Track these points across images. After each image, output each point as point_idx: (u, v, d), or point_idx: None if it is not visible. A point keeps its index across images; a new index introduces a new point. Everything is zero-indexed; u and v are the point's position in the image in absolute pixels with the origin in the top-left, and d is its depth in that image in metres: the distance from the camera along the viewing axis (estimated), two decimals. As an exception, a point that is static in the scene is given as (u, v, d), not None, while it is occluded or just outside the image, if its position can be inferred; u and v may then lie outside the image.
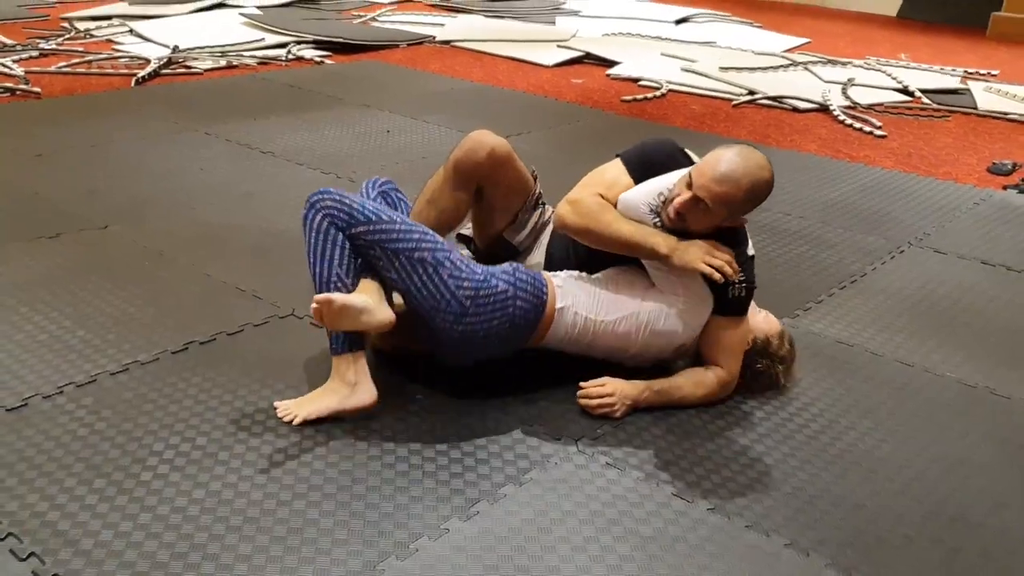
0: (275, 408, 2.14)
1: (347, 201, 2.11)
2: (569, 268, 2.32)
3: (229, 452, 2.00)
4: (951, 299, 3.01)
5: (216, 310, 2.63)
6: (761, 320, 2.34)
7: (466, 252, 2.57)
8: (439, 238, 2.14)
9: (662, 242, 2.14)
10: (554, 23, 7.96)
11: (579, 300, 2.20)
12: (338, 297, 2.03)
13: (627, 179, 2.22)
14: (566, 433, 2.13)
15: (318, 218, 2.11)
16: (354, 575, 1.67)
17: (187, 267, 2.91)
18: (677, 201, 2.09)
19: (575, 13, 8.46)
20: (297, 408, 2.12)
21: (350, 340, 2.12)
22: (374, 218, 2.10)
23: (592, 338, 2.21)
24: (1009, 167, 4.48)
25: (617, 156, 2.30)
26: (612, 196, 2.21)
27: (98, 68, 5.55)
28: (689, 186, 2.07)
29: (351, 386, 2.11)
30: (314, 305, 2.03)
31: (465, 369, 2.26)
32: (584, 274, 2.28)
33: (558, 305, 2.17)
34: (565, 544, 1.78)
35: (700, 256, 2.11)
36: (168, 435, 2.04)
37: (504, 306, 2.10)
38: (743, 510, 1.91)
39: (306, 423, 2.09)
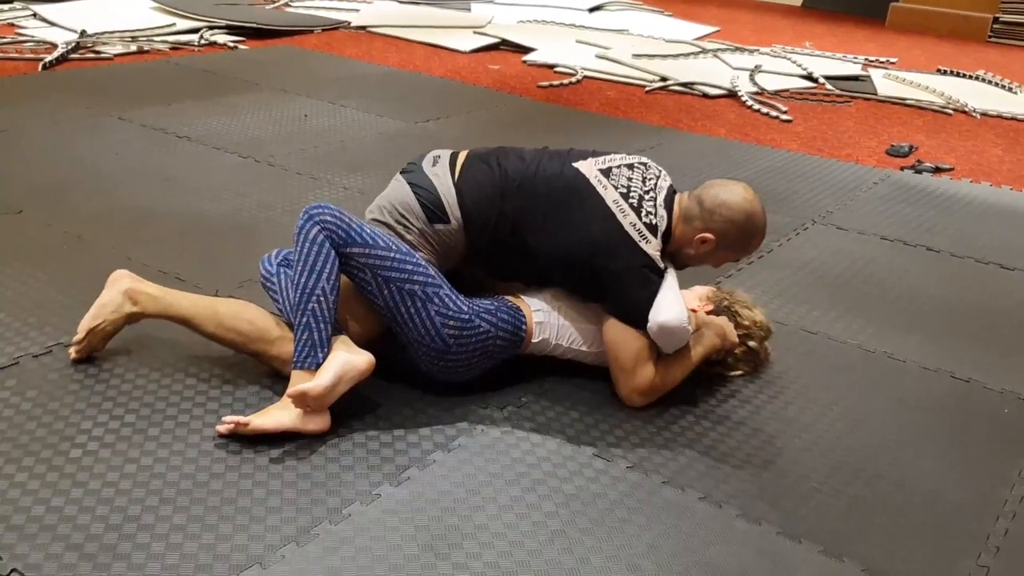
0: (222, 425, 2.00)
1: (346, 219, 2.06)
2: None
3: (159, 428, 2.02)
4: (852, 272, 3.17)
5: (139, 292, 2.62)
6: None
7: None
8: (431, 270, 2.12)
9: (713, 344, 2.33)
10: (469, 10, 8.01)
11: (560, 333, 2.26)
12: (313, 387, 1.96)
13: (645, 339, 2.18)
14: (492, 402, 2.21)
15: (314, 230, 2.03)
16: (289, 539, 1.72)
17: (108, 251, 2.89)
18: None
19: (490, 1, 8.52)
20: (251, 419, 1.99)
21: (316, 356, 2.02)
22: (371, 241, 2.06)
23: (570, 354, 2.31)
24: (906, 149, 4.71)
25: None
26: (649, 349, 2.20)
27: (2, 53, 5.40)
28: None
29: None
30: (290, 395, 1.97)
31: (392, 344, 2.32)
32: (560, 302, 2.28)
33: (535, 340, 2.24)
34: (493, 504, 1.86)
35: (733, 332, 2.38)
36: (96, 413, 2.05)
37: (484, 344, 2.16)
38: (659, 467, 2.02)
39: (257, 434, 1.98)
